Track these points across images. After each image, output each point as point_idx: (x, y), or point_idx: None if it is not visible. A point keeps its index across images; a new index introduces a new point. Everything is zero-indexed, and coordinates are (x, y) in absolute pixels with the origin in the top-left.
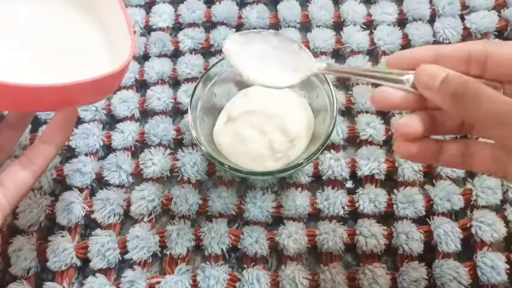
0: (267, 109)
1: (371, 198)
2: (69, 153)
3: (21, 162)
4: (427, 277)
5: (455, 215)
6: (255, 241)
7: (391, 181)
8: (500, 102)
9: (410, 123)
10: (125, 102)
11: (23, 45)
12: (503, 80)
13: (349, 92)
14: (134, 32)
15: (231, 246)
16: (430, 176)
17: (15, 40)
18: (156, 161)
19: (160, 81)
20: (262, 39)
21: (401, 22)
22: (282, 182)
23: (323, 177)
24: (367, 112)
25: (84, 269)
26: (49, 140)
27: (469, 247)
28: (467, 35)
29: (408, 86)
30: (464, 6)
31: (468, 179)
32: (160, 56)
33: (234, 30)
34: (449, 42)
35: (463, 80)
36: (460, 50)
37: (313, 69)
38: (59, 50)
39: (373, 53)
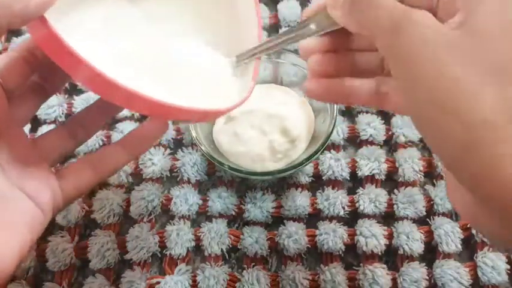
0: (268, 109)
1: (371, 199)
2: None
3: (91, 161)
4: (427, 277)
5: (455, 215)
6: (255, 241)
7: (391, 181)
8: (390, 5)
9: (322, 60)
10: None
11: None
12: None
13: None
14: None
15: (231, 246)
16: (430, 176)
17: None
18: (155, 161)
19: None
20: None
21: None
22: (282, 182)
23: (323, 177)
24: (367, 112)
25: (83, 269)
26: (128, 146)
27: (470, 247)
28: None
29: (315, 28)
30: None
31: None
32: None
33: None
34: None
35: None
36: None
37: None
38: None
39: None
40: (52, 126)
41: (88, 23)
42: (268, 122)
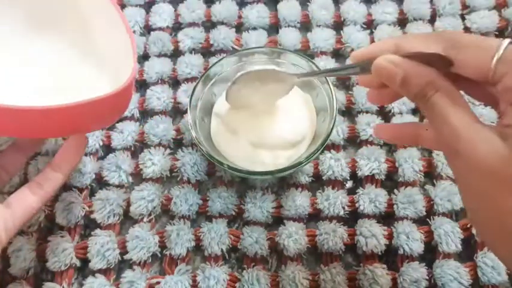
0: (268, 109)
1: (371, 199)
2: None
3: (31, 187)
4: (427, 277)
5: (455, 215)
6: (255, 241)
7: (391, 181)
8: (456, 124)
9: (377, 94)
10: None
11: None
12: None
13: (349, 92)
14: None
15: (231, 246)
16: (430, 176)
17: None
18: (155, 161)
19: (160, 81)
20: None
21: (402, 22)
22: (282, 182)
23: (323, 177)
24: (367, 112)
25: (83, 269)
26: (58, 167)
27: (470, 247)
28: None
29: (360, 71)
30: (464, 6)
31: None
32: (160, 55)
33: (234, 30)
34: None
35: (422, 82)
36: (421, 44)
37: (291, 83)
38: (61, 80)
39: None
40: None
41: None
42: (269, 125)
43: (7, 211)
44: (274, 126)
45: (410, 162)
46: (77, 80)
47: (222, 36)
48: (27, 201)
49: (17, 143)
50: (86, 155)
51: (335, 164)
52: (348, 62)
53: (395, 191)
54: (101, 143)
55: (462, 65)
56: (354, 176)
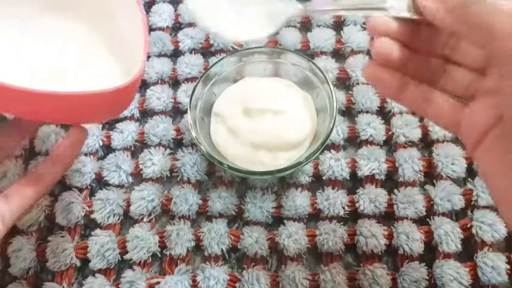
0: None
1: (371, 199)
2: None
3: (29, 179)
4: (427, 277)
5: (455, 215)
6: (255, 241)
7: (391, 181)
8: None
9: (391, 46)
10: None
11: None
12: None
13: (349, 92)
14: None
15: (231, 246)
16: (430, 176)
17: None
18: (155, 161)
19: (160, 81)
20: None
21: None
22: (282, 182)
23: (323, 177)
24: (367, 112)
25: (83, 269)
26: (57, 160)
27: (470, 247)
28: None
29: (392, 12)
30: None
31: (469, 179)
32: (160, 55)
33: None
34: None
35: None
36: None
37: (289, 11)
38: (74, 62)
39: None
40: None
41: None
42: (270, 124)
43: (4, 203)
44: (276, 127)
45: (410, 162)
46: (89, 64)
47: None
48: (24, 193)
49: (15, 121)
50: (86, 155)
51: (335, 164)
52: (348, 62)
53: (395, 191)
54: (101, 143)
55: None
56: (353, 176)
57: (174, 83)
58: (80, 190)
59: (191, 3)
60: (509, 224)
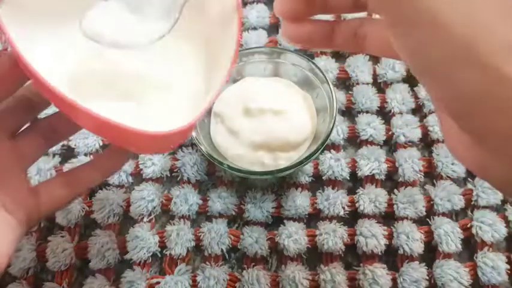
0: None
1: (371, 199)
2: (68, 153)
3: (64, 179)
4: (427, 277)
5: (455, 215)
6: (255, 241)
7: (391, 181)
8: None
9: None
10: None
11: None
12: None
13: (349, 92)
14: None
15: (231, 246)
16: (430, 176)
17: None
18: (155, 161)
19: None
20: None
21: None
22: (282, 182)
23: (323, 177)
24: (367, 112)
25: (83, 269)
26: (99, 166)
27: (470, 247)
28: None
29: None
30: None
31: (469, 179)
32: None
33: None
34: None
35: None
36: None
37: None
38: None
39: None
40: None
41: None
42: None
43: (33, 199)
44: (276, 127)
45: (410, 162)
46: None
47: None
48: (56, 193)
49: (42, 129)
50: (85, 155)
51: (335, 164)
52: (348, 61)
53: (396, 191)
54: (101, 143)
55: None
56: (354, 176)
57: None
58: None
59: (88, 28)
60: (455, 155)
